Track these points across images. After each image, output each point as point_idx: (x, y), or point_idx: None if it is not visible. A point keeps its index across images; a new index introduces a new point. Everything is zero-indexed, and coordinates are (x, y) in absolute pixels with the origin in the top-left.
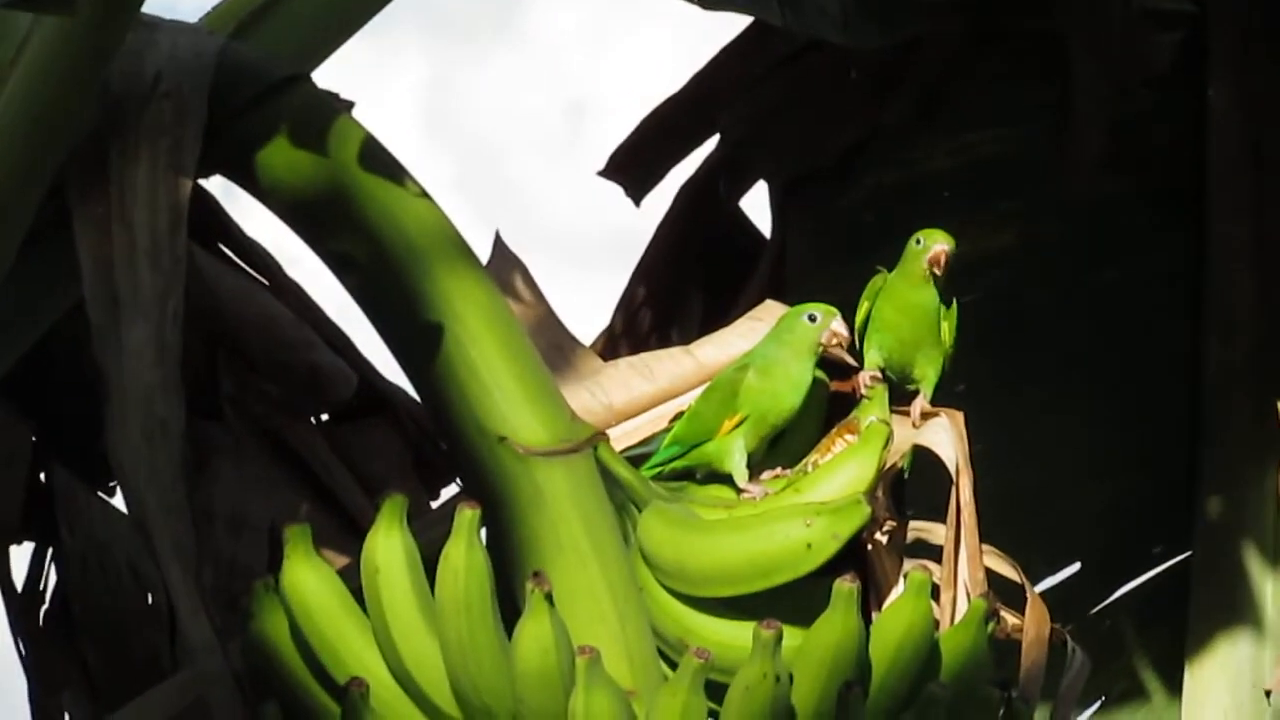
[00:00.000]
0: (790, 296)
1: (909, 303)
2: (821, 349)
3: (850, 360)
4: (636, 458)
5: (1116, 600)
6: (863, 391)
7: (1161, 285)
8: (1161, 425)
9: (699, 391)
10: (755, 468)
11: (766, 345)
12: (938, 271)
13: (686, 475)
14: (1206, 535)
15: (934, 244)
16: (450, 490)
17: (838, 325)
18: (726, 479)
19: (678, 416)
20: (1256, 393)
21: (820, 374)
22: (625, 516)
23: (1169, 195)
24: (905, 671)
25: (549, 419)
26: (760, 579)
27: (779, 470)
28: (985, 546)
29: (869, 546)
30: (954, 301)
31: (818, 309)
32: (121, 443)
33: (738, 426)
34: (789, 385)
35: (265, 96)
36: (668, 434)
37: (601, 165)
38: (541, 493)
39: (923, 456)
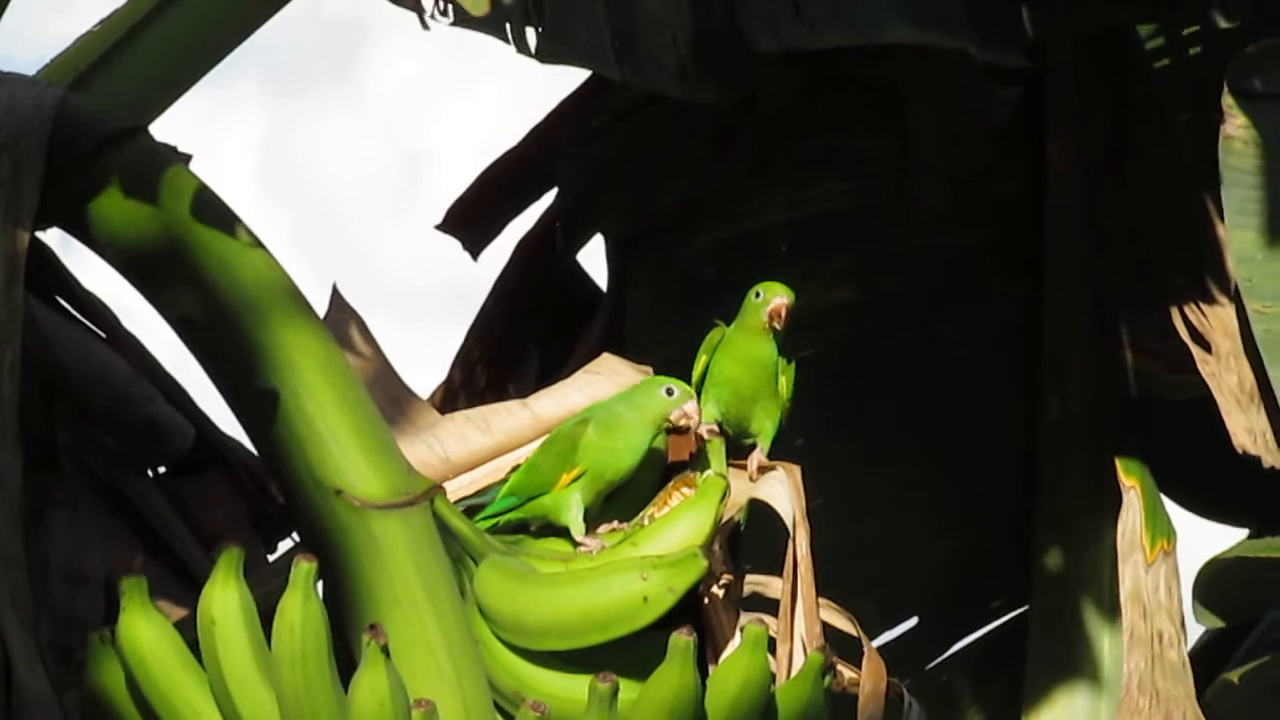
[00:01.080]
0: (628, 349)
1: (747, 356)
2: (668, 425)
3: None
4: (472, 508)
5: (954, 654)
6: (701, 441)
7: (1000, 339)
8: (1000, 479)
9: (536, 444)
10: (592, 521)
11: (614, 404)
12: (777, 325)
13: (522, 527)
14: (1044, 588)
15: (773, 297)
16: (287, 543)
17: (690, 408)
18: (563, 532)
19: (514, 470)
20: (1092, 447)
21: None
22: (462, 569)
23: (1008, 250)
24: None
25: (385, 472)
26: (597, 632)
27: (615, 524)
28: (822, 600)
29: (705, 600)
30: (792, 355)
31: (677, 385)
32: None
33: (575, 480)
34: (628, 447)
35: (102, 149)
36: (504, 485)
37: (439, 219)
38: (378, 545)
39: (760, 510)
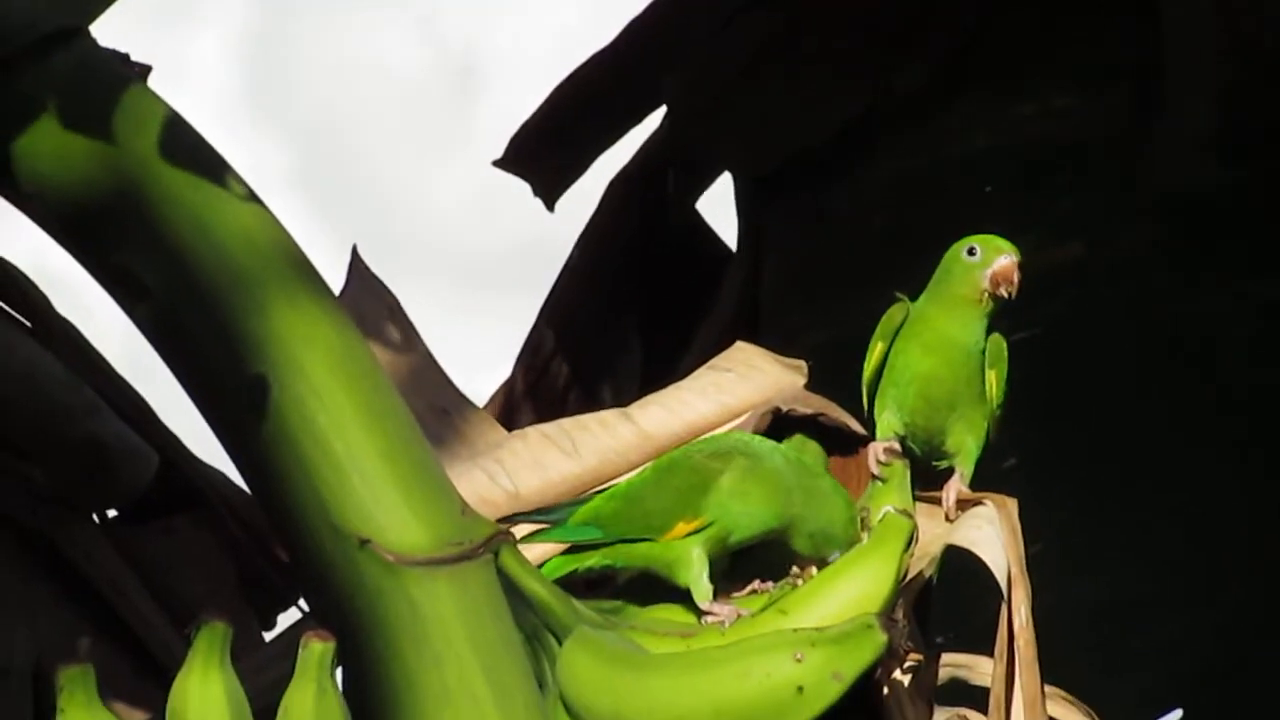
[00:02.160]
0: (768, 334)
1: (944, 340)
2: (850, 534)
3: (856, 428)
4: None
5: None
6: (875, 470)
7: None
8: None
9: (644, 467)
10: (722, 579)
11: (777, 457)
12: (1006, 293)
13: (604, 579)
14: None
15: (998, 255)
16: (291, 615)
17: (890, 511)
18: (678, 594)
19: (601, 491)
20: None
21: (817, 450)
22: (539, 648)
23: None
24: None
25: (430, 514)
26: None
27: (756, 584)
28: (1050, 689)
29: (885, 689)
30: (1003, 340)
31: (876, 504)
32: None
33: (695, 533)
34: (770, 514)
35: (25, 58)
36: (580, 506)
37: (499, 152)
38: (421, 616)
39: (959, 561)
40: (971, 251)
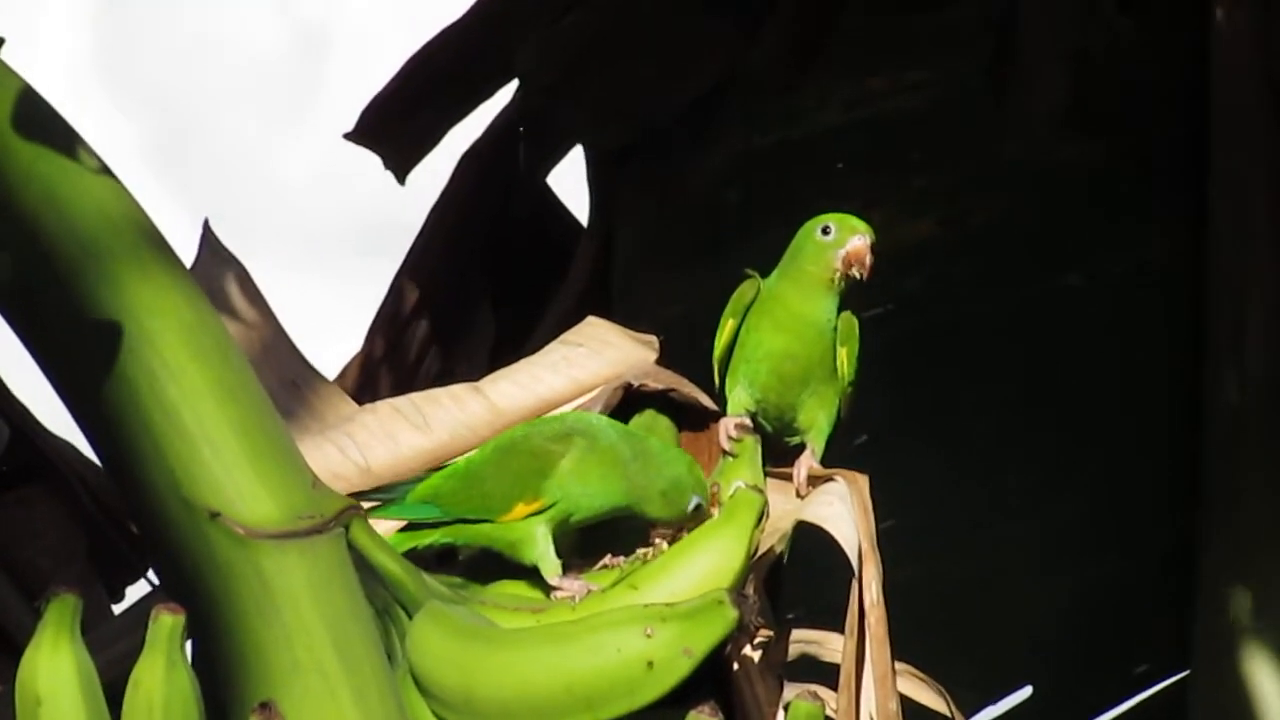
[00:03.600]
0: (619, 308)
1: (796, 317)
2: (684, 509)
3: (706, 403)
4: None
5: None
6: (726, 446)
7: (1145, 292)
8: (1147, 491)
9: (482, 448)
10: (570, 553)
11: (629, 438)
12: (858, 274)
13: (448, 553)
14: (1211, 647)
15: (851, 235)
16: (141, 588)
17: (698, 502)
18: (529, 570)
19: (439, 468)
20: (1277, 438)
21: (667, 424)
22: (390, 623)
23: (1158, 163)
24: None
25: (281, 487)
26: (583, 711)
27: (607, 559)
28: (900, 665)
29: (735, 665)
30: (854, 317)
31: (693, 483)
32: None
33: (535, 514)
34: (613, 497)
35: None
36: (417, 484)
37: (351, 125)
38: (271, 590)
39: (810, 537)
40: (825, 230)
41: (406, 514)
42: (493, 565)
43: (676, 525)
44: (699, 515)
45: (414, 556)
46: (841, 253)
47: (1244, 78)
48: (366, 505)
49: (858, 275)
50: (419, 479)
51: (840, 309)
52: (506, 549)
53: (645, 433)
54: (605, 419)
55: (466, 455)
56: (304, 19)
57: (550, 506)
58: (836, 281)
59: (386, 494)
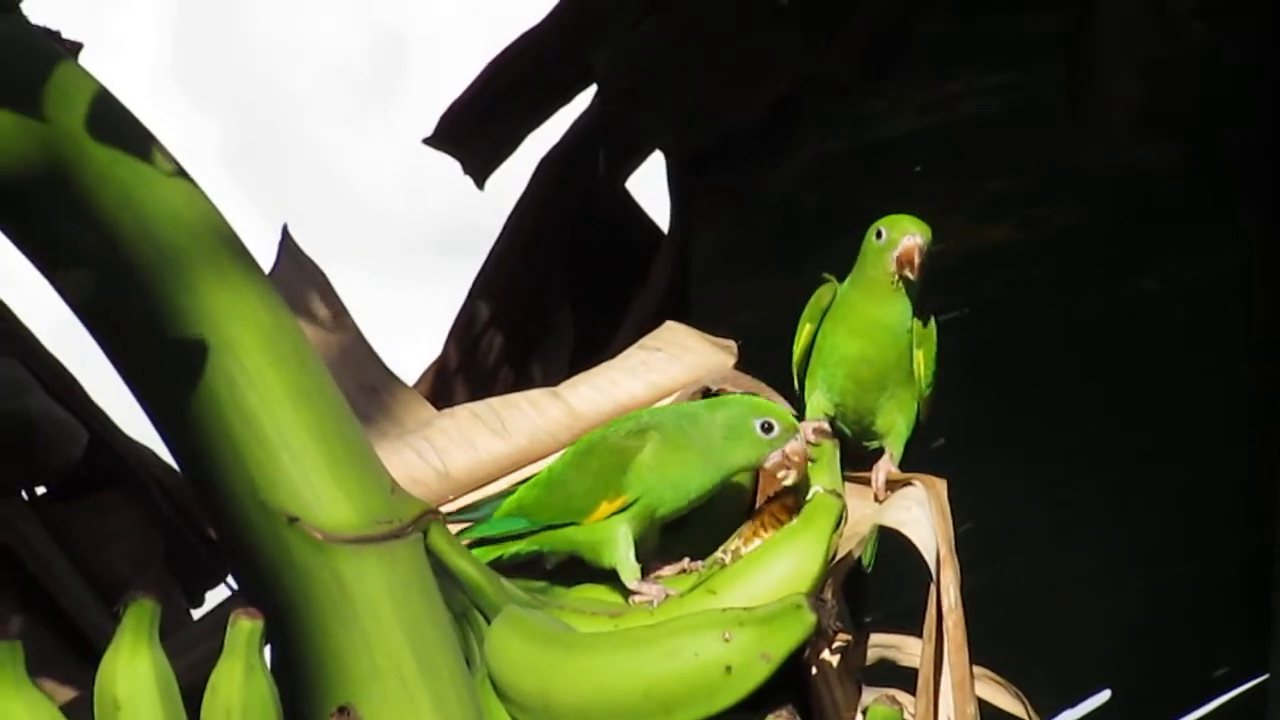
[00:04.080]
0: (698, 313)
1: (869, 322)
2: (764, 470)
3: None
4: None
5: None
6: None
7: (1222, 298)
8: (1226, 496)
9: (563, 454)
10: (649, 559)
11: (690, 418)
12: (909, 275)
13: (532, 564)
14: None
15: (902, 236)
16: (220, 593)
17: (796, 446)
18: (603, 575)
19: (525, 480)
20: None
21: None
22: (468, 627)
23: (1235, 169)
24: None
25: (359, 492)
26: (660, 715)
27: (685, 563)
28: (978, 670)
29: (814, 669)
30: (932, 320)
31: (777, 418)
32: None
33: (619, 511)
34: (696, 482)
35: None
36: (504, 499)
37: (429, 130)
38: (349, 594)
39: (889, 542)
40: (880, 234)
41: (497, 529)
42: (575, 572)
43: (776, 470)
44: (786, 442)
45: (499, 566)
46: (895, 254)
47: None
48: (456, 527)
49: (909, 277)
50: (505, 494)
51: (919, 311)
52: (589, 552)
53: (692, 407)
54: (671, 407)
55: (548, 465)
56: (382, 23)
57: (634, 502)
58: (895, 283)
59: (474, 514)
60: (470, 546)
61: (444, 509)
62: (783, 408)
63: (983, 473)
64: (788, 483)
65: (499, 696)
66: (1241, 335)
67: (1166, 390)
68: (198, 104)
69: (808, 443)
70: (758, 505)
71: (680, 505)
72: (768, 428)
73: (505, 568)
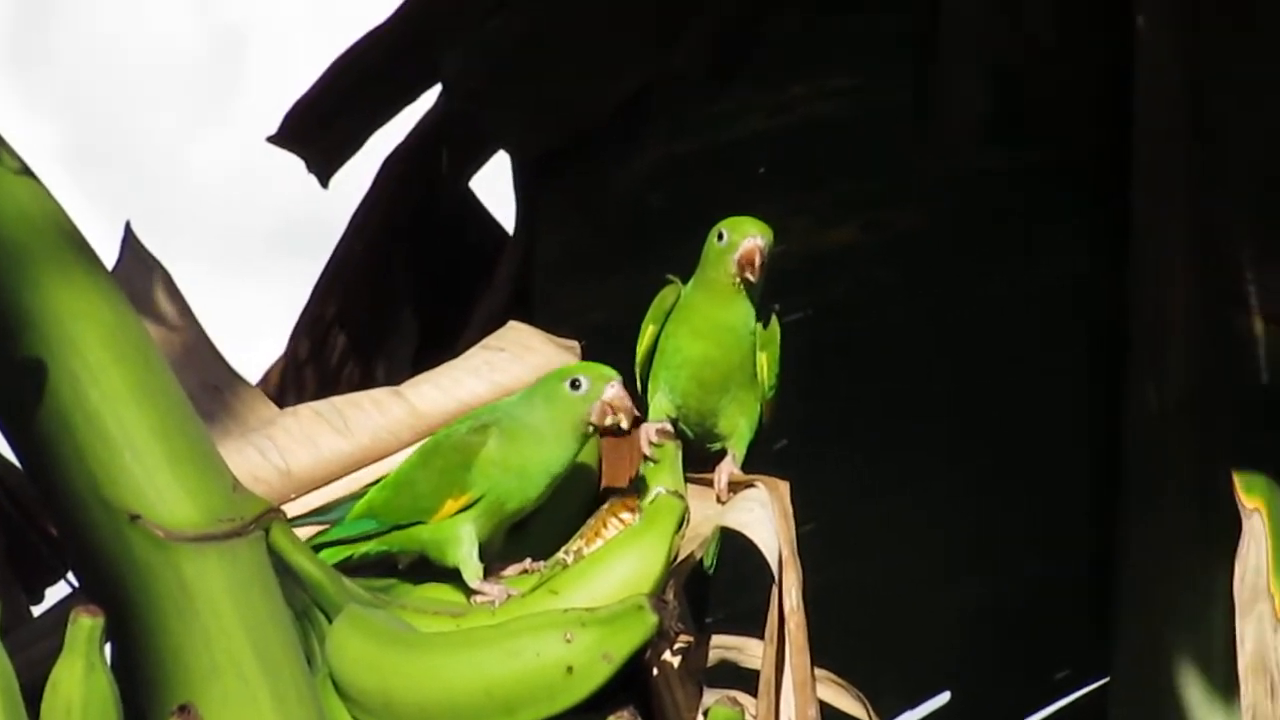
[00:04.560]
0: (540, 314)
1: (712, 324)
2: (591, 429)
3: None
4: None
5: None
6: (647, 451)
7: (1067, 301)
8: (1066, 498)
9: (411, 451)
10: (493, 560)
11: (519, 406)
12: (750, 277)
13: (385, 565)
14: (1129, 653)
15: (742, 238)
16: (61, 590)
17: (614, 394)
18: (448, 574)
19: (376, 482)
20: (1200, 454)
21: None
22: (309, 626)
23: (1080, 175)
24: None
25: (201, 490)
26: (501, 715)
27: (527, 563)
28: (820, 671)
29: (655, 670)
30: (775, 322)
31: (585, 372)
32: None
33: (465, 509)
34: (541, 468)
35: None
36: (356, 502)
37: (273, 129)
38: (190, 593)
39: (731, 543)
40: (721, 236)
41: (349, 531)
42: (426, 572)
43: (603, 421)
44: (601, 392)
45: (349, 567)
46: (736, 256)
47: (1165, 87)
48: (309, 530)
49: (749, 279)
50: (357, 496)
51: (762, 313)
52: (434, 551)
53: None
54: (506, 401)
55: (397, 465)
56: (223, 20)
57: (479, 499)
58: (737, 285)
59: (328, 515)
60: (323, 548)
61: (292, 510)
62: (590, 363)
63: (826, 474)
64: (624, 425)
65: (340, 695)
66: (1085, 337)
67: (1012, 392)
68: (34, 102)
69: (651, 443)
70: (601, 508)
71: (529, 495)
72: (575, 384)
73: (356, 568)
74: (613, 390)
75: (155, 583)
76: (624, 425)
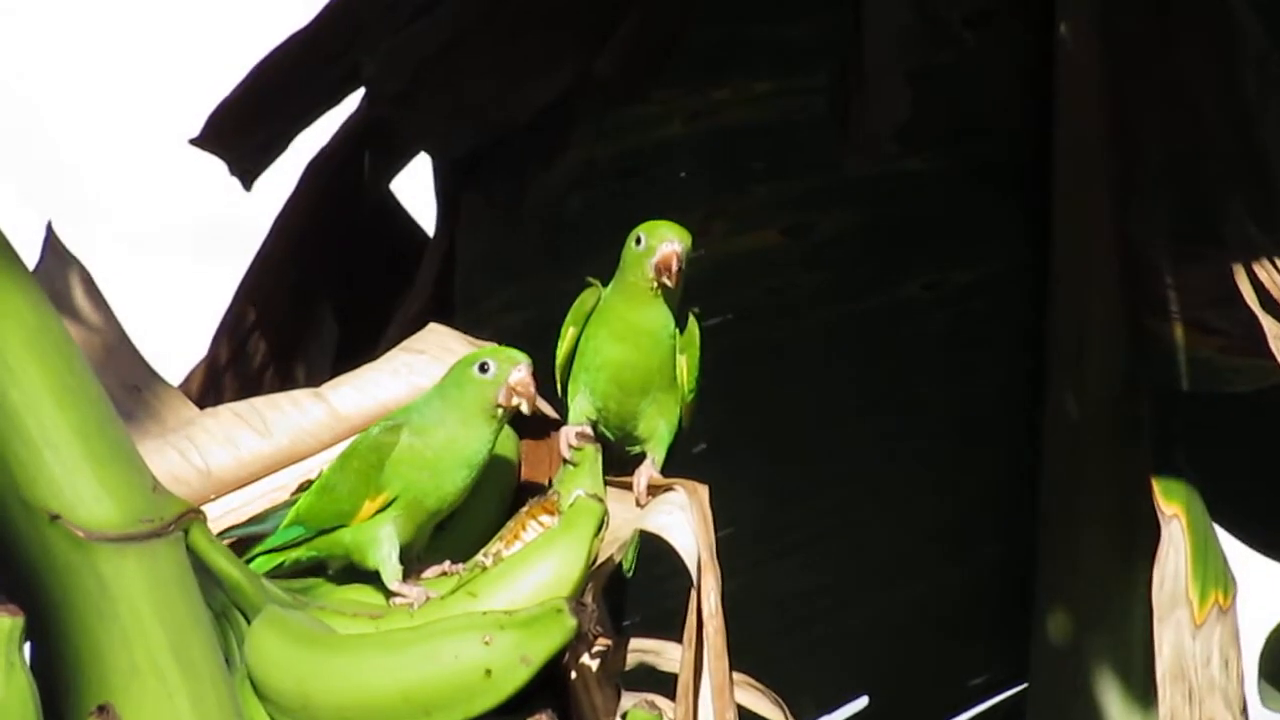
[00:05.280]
0: (463, 316)
1: (630, 327)
2: (501, 411)
3: (548, 411)
4: (243, 542)
5: None
6: (566, 454)
7: (989, 306)
8: (985, 503)
9: (334, 454)
10: (413, 562)
11: (429, 401)
12: (668, 282)
13: (317, 570)
14: (1048, 658)
15: (660, 243)
16: None
17: (519, 376)
18: (372, 577)
19: (304, 488)
20: (1118, 461)
21: (508, 432)
22: (228, 627)
23: (1000, 180)
24: None
25: (121, 490)
26: (420, 717)
27: (446, 565)
28: (737, 675)
29: (574, 673)
30: (695, 325)
31: (493, 356)
32: None
33: (384, 509)
34: (455, 460)
35: None
36: (289, 510)
37: (197, 130)
38: (110, 593)
39: (650, 547)
40: (639, 240)
41: (279, 540)
42: (340, 572)
43: (509, 403)
44: (508, 375)
45: (280, 574)
46: (653, 260)
47: (1085, 88)
48: (232, 540)
49: (666, 283)
50: (288, 504)
51: (680, 316)
52: (356, 554)
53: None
54: (417, 399)
55: (322, 471)
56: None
57: (395, 499)
58: (655, 290)
59: (262, 525)
60: (257, 556)
61: (214, 511)
62: (500, 347)
63: (745, 477)
64: (525, 410)
65: (259, 696)
66: (1005, 343)
67: (930, 397)
68: None
69: (571, 446)
70: (520, 510)
71: (445, 490)
72: (484, 368)
73: (287, 575)
74: (519, 373)
75: (75, 583)
76: (531, 403)
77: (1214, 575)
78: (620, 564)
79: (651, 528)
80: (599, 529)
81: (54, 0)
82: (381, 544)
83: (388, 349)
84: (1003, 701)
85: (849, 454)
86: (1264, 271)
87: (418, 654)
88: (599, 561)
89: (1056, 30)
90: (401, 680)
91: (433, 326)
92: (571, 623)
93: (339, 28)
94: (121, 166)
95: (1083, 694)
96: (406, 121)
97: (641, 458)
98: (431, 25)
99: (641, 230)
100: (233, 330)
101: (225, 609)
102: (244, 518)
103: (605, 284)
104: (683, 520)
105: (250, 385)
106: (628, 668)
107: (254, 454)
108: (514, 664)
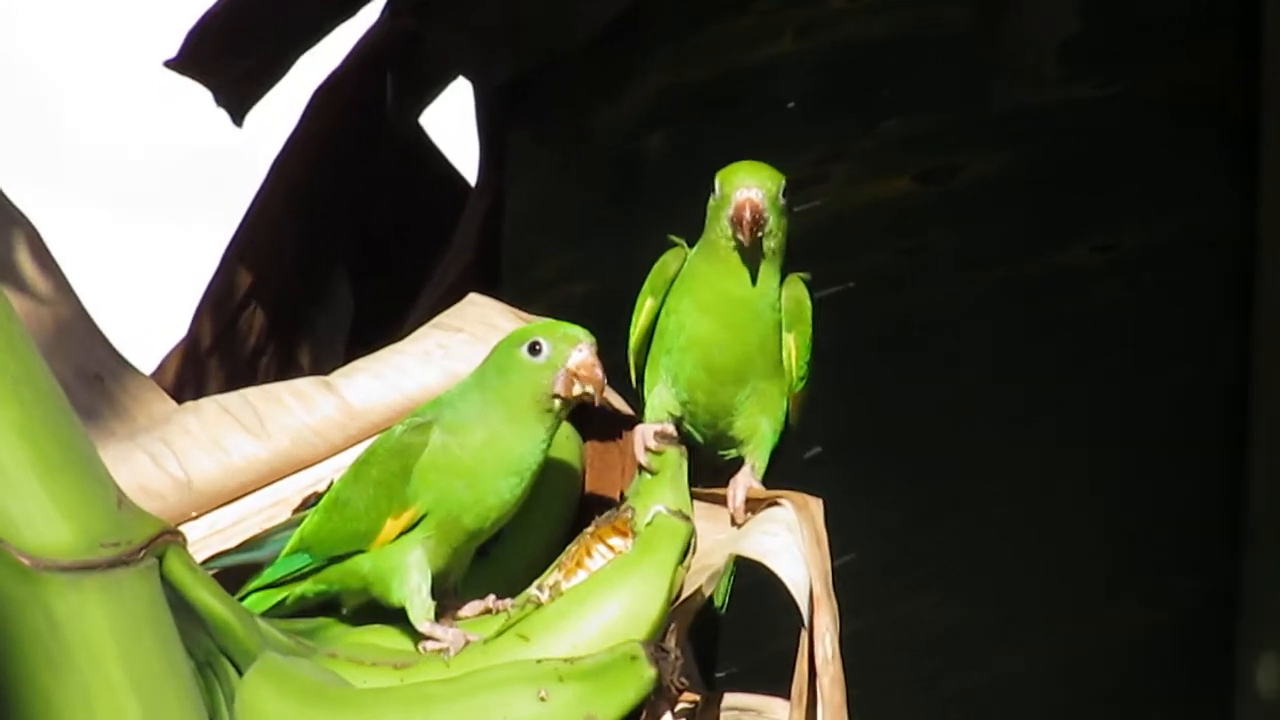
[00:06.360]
0: (511, 284)
1: (720, 296)
2: (558, 404)
3: (620, 405)
4: (233, 572)
5: None
6: (643, 460)
7: (1175, 275)
8: (1176, 523)
9: (347, 460)
10: (448, 595)
11: (467, 391)
12: (742, 237)
13: (327, 608)
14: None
15: (734, 190)
16: None
17: (581, 358)
18: (397, 616)
19: (309, 503)
20: None
21: (569, 433)
22: (214, 679)
23: (1185, 111)
24: None
25: (77, 506)
26: None
27: (490, 601)
28: None
29: None
30: (806, 296)
31: (547, 334)
32: None
33: (411, 529)
34: (500, 466)
35: None
36: (292, 532)
37: (172, 52)
38: (64, 637)
39: (749, 576)
40: (715, 189)
41: (280, 571)
42: (376, 615)
43: (568, 393)
44: (567, 358)
45: (283, 614)
46: (728, 211)
47: None
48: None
49: (741, 239)
50: (293, 524)
51: (784, 285)
52: (378, 587)
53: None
54: (453, 388)
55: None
56: None
57: (425, 516)
58: (733, 248)
59: (258, 550)
60: (251, 593)
61: (195, 533)
62: (554, 321)
63: (870, 490)
64: (591, 401)
65: None
66: (1198, 320)
67: (1105, 388)
68: None
69: (648, 450)
70: (584, 531)
71: (489, 506)
72: (535, 349)
73: (290, 614)
74: (580, 355)
75: (19, 623)
76: (595, 393)
77: None
78: (711, 599)
79: (751, 553)
80: (684, 554)
81: None
82: (409, 574)
83: (416, 326)
84: None
85: (1002, 462)
86: None
87: (455, 714)
88: (684, 595)
89: None
90: None
91: (473, 298)
92: (650, 673)
93: None
94: (82, 98)
95: None
96: (438, 38)
97: (738, 464)
98: None
99: (719, 175)
100: (219, 304)
101: (210, 657)
102: (235, 541)
103: (691, 244)
104: (790, 543)
105: (242, 371)
106: None
107: (245, 459)
108: None
